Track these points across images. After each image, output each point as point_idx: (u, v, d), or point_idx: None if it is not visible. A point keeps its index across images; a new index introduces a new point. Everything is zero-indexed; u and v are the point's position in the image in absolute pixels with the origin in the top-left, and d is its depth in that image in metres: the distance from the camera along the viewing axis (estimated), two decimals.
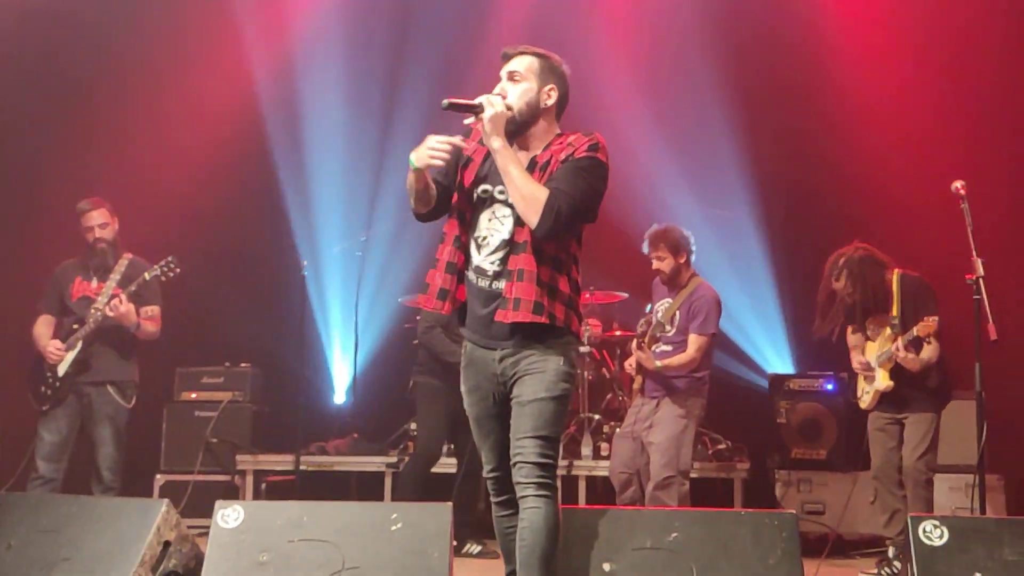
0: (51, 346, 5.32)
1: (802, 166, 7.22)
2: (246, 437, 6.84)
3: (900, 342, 4.94)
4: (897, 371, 5.03)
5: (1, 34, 6.75)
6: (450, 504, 4.02)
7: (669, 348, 5.42)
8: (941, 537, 3.63)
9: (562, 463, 6.18)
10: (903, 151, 6.74)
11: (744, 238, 7.34)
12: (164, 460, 6.80)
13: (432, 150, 3.32)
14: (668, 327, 5.43)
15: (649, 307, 6.03)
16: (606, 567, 3.78)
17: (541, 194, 3.25)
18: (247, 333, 7.42)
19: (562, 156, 3.36)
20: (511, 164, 3.29)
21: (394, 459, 6.57)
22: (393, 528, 3.90)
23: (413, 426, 6.77)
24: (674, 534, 3.84)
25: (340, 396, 7.91)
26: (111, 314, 5.28)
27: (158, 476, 6.70)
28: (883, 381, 5.06)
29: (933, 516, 3.72)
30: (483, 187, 3.43)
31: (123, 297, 5.31)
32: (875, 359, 5.16)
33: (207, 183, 7.28)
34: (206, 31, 7.44)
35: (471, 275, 3.44)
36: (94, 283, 5.50)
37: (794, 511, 3.91)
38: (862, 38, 7.10)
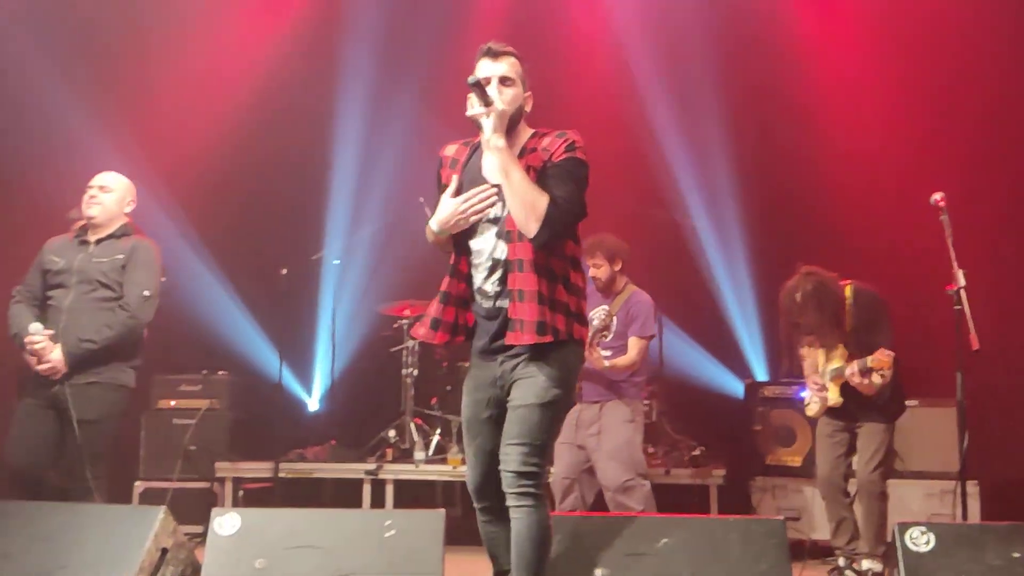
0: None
1: (782, 172, 7.27)
2: (224, 444, 6.79)
3: (855, 367, 4.97)
4: (847, 387, 5.06)
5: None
6: (443, 511, 4.06)
7: (608, 353, 5.51)
8: (928, 543, 3.72)
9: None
10: (886, 160, 6.82)
11: (720, 246, 7.42)
12: (143, 468, 6.73)
13: (461, 216, 3.35)
14: (606, 333, 5.55)
15: None
16: (599, 573, 3.84)
17: (541, 203, 3.25)
18: (224, 340, 7.41)
19: (540, 160, 3.36)
20: (513, 167, 3.27)
21: (373, 466, 6.58)
22: (387, 535, 3.94)
23: (392, 433, 6.81)
24: (665, 540, 3.90)
25: (314, 404, 7.90)
26: None
27: (137, 483, 6.65)
28: (833, 397, 5.10)
29: (920, 523, 3.81)
30: None
31: None
32: (828, 373, 5.18)
33: (191, 190, 7.24)
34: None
35: (477, 297, 3.48)
36: None
37: (782, 518, 3.98)
38: (849, 47, 7.16)
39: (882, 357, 4.85)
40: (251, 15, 7.57)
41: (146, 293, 4.62)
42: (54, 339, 4.48)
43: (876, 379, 4.94)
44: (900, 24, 7.04)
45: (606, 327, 5.51)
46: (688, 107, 7.42)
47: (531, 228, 3.25)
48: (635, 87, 7.52)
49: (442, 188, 3.51)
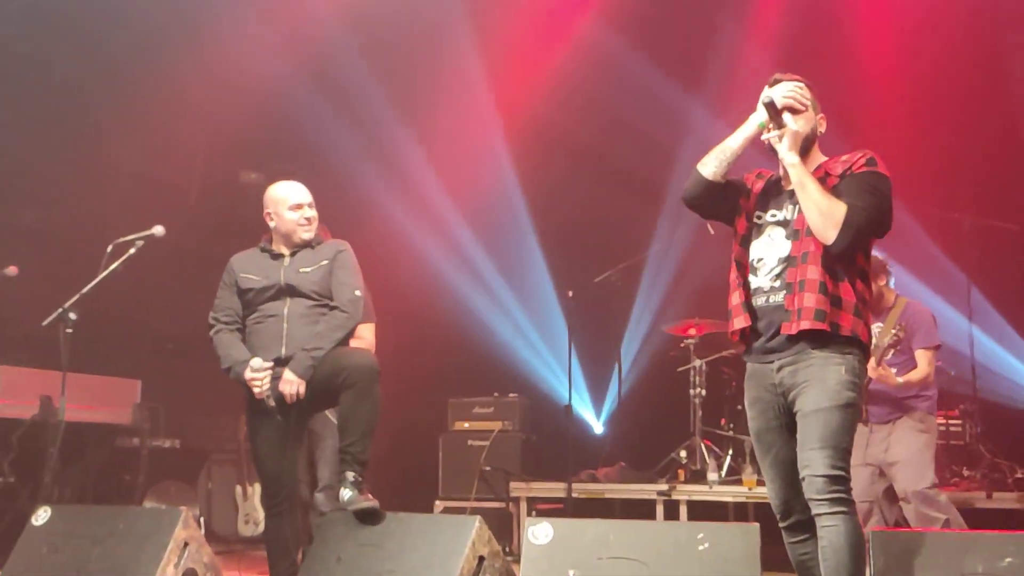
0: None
1: None
2: (516, 465, 6.97)
3: None
4: None
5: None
6: (757, 525, 3.90)
7: (893, 370, 5.23)
8: None
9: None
10: None
11: None
12: (442, 487, 7.04)
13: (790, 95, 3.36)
14: (888, 351, 5.20)
15: None
16: None
17: (839, 210, 3.26)
18: (513, 363, 7.61)
19: (838, 171, 3.37)
20: (807, 179, 3.33)
21: (665, 486, 6.50)
22: (700, 548, 3.82)
23: (683, 454, 6.70)
24: (1008, 559, 3.56)
25: (599, 425, 7.95)
26: None
27: (437, 502, 6.94)
28: None
29: None
30: (756, 213, 3.51)
31: None
32: None
33: (472, 218, 7.51)
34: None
35: (755, 299, 3.45)
36: None
37: None
38: None
39: None
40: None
41: (357, 293, 4.42)
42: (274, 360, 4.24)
43: None
44: None
45: (898, 341, 5.18)
46: (978, 109, 6.90)
47: (829, 235, 3.25)
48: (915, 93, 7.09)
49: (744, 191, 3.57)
